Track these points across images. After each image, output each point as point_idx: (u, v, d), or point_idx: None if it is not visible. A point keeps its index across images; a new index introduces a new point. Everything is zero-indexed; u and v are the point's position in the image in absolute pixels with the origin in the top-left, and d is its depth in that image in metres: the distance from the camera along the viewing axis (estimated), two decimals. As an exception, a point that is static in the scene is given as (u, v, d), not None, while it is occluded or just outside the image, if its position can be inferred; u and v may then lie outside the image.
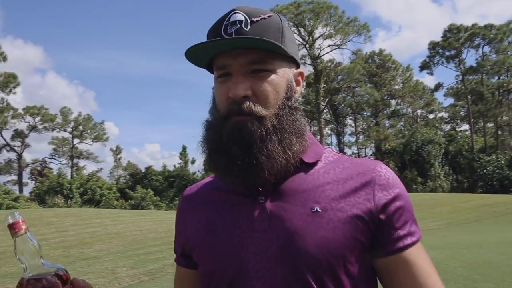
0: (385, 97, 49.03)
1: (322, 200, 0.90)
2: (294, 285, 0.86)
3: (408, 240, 0.90)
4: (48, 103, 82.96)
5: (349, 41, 40.46)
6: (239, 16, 0.90)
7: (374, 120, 49.10)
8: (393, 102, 50.91)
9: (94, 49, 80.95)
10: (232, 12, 0.92)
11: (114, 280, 6.64)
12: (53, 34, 77.34)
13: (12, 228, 0.92)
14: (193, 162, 45.10)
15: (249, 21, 0.90)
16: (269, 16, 0.93)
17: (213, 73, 0.97)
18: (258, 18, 0.91)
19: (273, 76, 0.91)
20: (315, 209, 0.88)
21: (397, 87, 49.39)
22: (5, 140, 44.33)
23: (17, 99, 71.26)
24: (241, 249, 0.90)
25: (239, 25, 0.90)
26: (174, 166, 44.17)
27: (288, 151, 0.90)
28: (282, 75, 0.93)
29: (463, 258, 7.19)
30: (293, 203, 0.90)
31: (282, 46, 0.89)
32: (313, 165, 0.96)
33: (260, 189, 0.92)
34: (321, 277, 0.86)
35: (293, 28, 39.29)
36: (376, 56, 48.78)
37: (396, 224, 0.90)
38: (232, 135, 0.89)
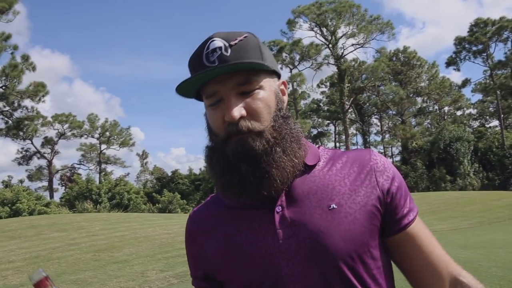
0: (411, 95, 48.28)
1: (335, 197, 0.96)
2: (331, 279, 0.92)
3: (411, 216, 1.00)
4: (75, 110, 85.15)
5: (373, 39, 40.04)
6: (217, 43, 0.95)
7: (400, 119, 48.40)
8: (419, 99, 50.14)
9: (119, 55, 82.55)
10: (210, 41, 0.96)
11: (144, 283, 6.71)
12: (79, 43, 79.10)
13: (40, 286, 0.92)
14: (218, 165, 45.30)
15: (227, 45, 0.94)
16: (245, 37, 0.97)
17: (201, 100, 1.01)
18: (236, 41, 0.95)
19: (261, 93, 0.96)
20: (332, 207, 0.94)
21: (423, 84, 48.59)
22: (35, 147, 45.55)
23: (46, 107, 73.54)
24: (271, 258, 0.93)
25: (219, 52, 0.94)
26: (200, 169, 44.53)
27: (294, 159, 0.95)
28: (269, 89, 0.98)
29: (498, 257, 6.98)
30: (309, 205, 0.95)
31: (264, 63, 0.95)
32: (314, 166, 1.02)
33: (273, 199, 0.96)
34: (353, 265, 0.92)
35: (315, 28, 39.13)
36: (400, 54, 48.11)
37: (399, 203, 0.99)
38: (237, 154, 0.92)
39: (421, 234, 1.01)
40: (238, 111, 0.92)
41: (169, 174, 43.69)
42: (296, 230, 0.93)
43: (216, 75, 0.93)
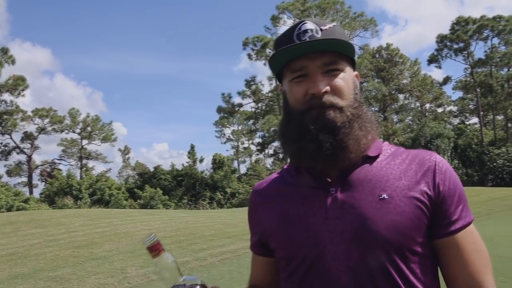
0: (393, 92, 48.74)
1: (387, 188, 1.01)
2: (368, 263, 0.97)
3: (458, 224, 1.01)
4: (56, 105, 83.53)
5: (356, 36, 40.31)
6: (309, 26, 1.04)
7: (382, 115, 48.84)
8: (401, 96, 50.61)
9: (101, 50, 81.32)
10: (302, 23, 1.05)
11: (124, 279, 6.65)
12: (61, 36, 77.77)
13: (153, 250, 1.01)
14: (201, 160, 45.28)
15: (318, 29, 1.04)
16: (334, 25, 1.07)
17: (279, 79, 1.13)
18: (326, 27, 1.05)
19: (343, 74, 1.05)
20: (383, 197, 0.99)
21: (405, 81, 49.08)
22: (15, 142, 44.74)
23: (26, 101, 71.52)
24: (317, 235, 1.01)
25: (310, 33, 1.03)
26: (183, 165, 44.27)
27: (368, 135, 1.04)
28: (349, 74, 1.08)
29: (474, 252, 7.09)
30: (362, 192, 1.01)
31: (354, 47, 1.05)
32: (375, 157, 1.08)
33: (330, 181, 1.04)
34: (392, 255, 0.96)
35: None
36: (383, 51, 48.48)
37: (450, 209, 1.01)
38: (317, 124, 1.00)
39: (465, 247, 1.01)
40: (323, 85, 1.01)
41: (151, 169, 43.30)
42: (345, 213, 1.00)
43: (315, 48, 1.01)
